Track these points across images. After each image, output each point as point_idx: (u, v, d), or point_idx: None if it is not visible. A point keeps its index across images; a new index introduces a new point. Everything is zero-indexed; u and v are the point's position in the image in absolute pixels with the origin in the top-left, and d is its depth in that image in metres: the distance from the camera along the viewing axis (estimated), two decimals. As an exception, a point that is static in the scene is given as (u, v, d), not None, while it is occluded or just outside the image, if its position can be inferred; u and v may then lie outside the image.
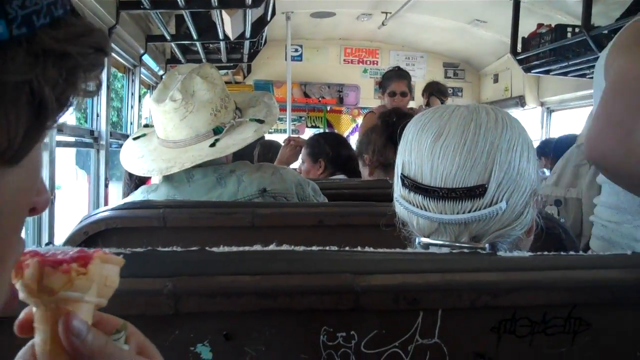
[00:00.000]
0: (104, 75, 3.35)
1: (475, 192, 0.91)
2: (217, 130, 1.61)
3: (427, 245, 0.96)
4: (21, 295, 0.50)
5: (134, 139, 1.79)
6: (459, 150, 0.91)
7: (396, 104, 4.03)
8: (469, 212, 0.91)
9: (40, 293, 0.50)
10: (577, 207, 2.11)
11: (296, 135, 4.67)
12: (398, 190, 1.00)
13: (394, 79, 4.13)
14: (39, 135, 0.42)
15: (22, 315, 0.54)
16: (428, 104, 4.85)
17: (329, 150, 2.98)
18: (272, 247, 0.88)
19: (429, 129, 0.96)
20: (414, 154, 0.96)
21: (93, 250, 0.53)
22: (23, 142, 0.40)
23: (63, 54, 0.41)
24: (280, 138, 4.59)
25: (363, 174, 2.59)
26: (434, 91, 5.03)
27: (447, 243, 0.94)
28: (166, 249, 0.86)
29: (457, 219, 0.92)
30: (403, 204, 0.97)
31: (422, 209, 0.94)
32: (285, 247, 0.89)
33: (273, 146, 3.89)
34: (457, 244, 0.93)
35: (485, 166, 0.91)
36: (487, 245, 0.92)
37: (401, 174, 0.98)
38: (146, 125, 1.85)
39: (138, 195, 1.68)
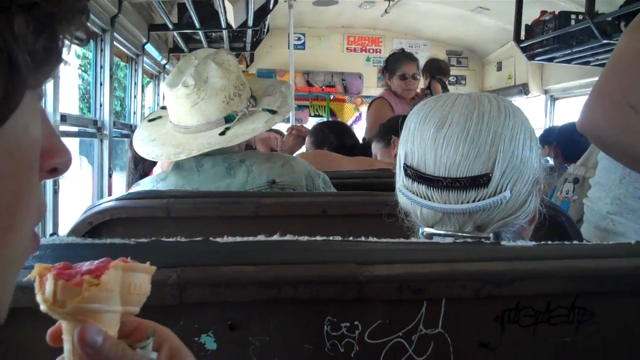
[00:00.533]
0: (106, 65, 3.36)
1: (479, 182, 0.90)
2: (228, 119, 1.59)
3: (430, 235, 0.96)
4: (42, 307, 0.51)
5: (150, 120, 1.78)
6: (463, 140, 0.91)
7: (408, 87, 3.91)
8: (474, 201, 0.91)
9: (54, 306, 0.50)
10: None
11: (299, 124, 4.64)
12: (401, 180, 0.99)
13: (404, 61, 3.95)
14: (18, 94, 0.39)
15: (55, 325, 0.54)
16: (429, 88, 4.63)
17: (333, 139, 2.99)
18: (275, 237, 0.89)
19: (432, 118, 0.95)
20: (417, 143, 0.95)
21: (119, 259, 0.53)
22: (1, 104, 0.38)
23: (29, 3, 0.38)
24: (283, 127, 4.58)
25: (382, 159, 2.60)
26: (435, 72, 4.77)
27: (450, 233, 0.93)
28: (170, 240, 0.86)
29: (461, 209, 0.91)
30: (406, 194, 0.96)
31: (425, 199, 0.94)
32: (289, 237, 0.89)
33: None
34: (461, 234, 0.93)
35: (489, 155, 0.90)
36: (491, 234, 0.92)
37: (404, 163, 0.97)
38: (163, 108, 1.85)
39: (147, 185, 1.68)
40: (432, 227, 0.96)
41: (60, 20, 0.41)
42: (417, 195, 0.95)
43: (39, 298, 0.51)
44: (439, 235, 0.94)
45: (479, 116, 0.93)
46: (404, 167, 0.97)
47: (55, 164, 0.48)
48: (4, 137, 0.40)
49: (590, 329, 0.81)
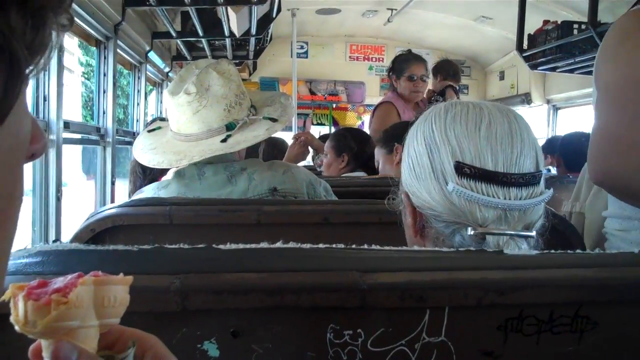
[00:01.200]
0: (110, 72, 3.37)
1: (536, 179, 0.92)
2: (229, 126, 1.61)
3: (483, 236, 0.91)
4: (16, 328, 0.51)
5: (149, 131, 1.80)
6: (514, 138, 0.92)
7: (416, 89, 3.76)
8: (530, 198, 0.92)
9: (26, 327, 0.50)
10: (579, 221, 2.02)
11: (306, 132, 4.58)
12: (450, 181, 0.93)
13: (413, 62, 3.77)
14: (17, 89, 0.40)
15: (35, 343, 0.54)
16: (442, 93, 4.43)
17: (354, 145, 2.98)
18: (278, 244, 0.88)
19: (471, 118, 0.94)
20: (466, 141, 0.93)
21: (90, 274, 0.53)
22: (2, 100, 0.39)
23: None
24: (285, 135, 4.57)
25: (383, 169, 2.59)
26: (450, 75, 4.53)
27: (509, 232, 0.91)
28: (173, 246, 0.86)
29: (524, 204, 0.91)
30: (465, 192, 0.91)
31: (487, 196, 0.91)
32: (291, 244, 0.89)
33: (279, 143, 3.89)
34: (517, 233, 0.91)
35: (534, 155, 0.93)
36: (534, 232, 0.93)
37: (456, 161, 0.92)
38: (162, 119, 1.86)
39: (149, 192, 1.69)
40: (486, 227, 0.92)
41: (50, 10, 0.41)
42: (478, 193, 0.91)
43: (12, 319, 0.51)
44: (497, 234, 0.91)
45: (516, 119, 0.95)
46: (457, 166, 0.92)
47: (34, 149, 0.49)
48: (5, 133, 0.41)
49: (593, 338, 0.80)
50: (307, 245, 0.88)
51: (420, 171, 0.97)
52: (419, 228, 1.01)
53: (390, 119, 3.60)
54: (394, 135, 2.55)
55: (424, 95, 4.07)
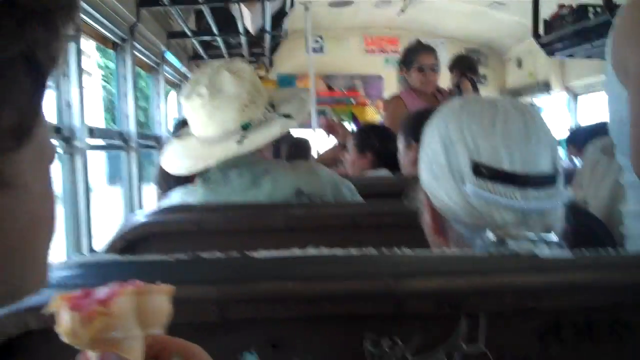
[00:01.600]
0: (129, 75, 3.38)
1: (554, 179, 0.89)
2: (245, 126, 1.59)
3: (502, 241, 0.89)
4: (63, 339, 0.52)
5: (177, 136, 1.80)
6: (531, 136, 0.89)
7: (426, 80, 3.62)
8: (548, 199, 0.89)
9: (71, 338, 0.51)
10: None
11: (335, 120, 4.52)
12: (467, 182, 0.91)
13: (421, 52, 3.64)
14: (42, 100, 0.41)
15: (83, 352, 0.56)
16: (458, 86, 4.36)
17: (376, 142, 2.95)
18: (311, 251, 0.89)
19: (486, 115, 0.92)
20: (482, 140, 0.90)
21: (131, 284, 0.54)
22: (32, 112, 0.40)
23: (45, 10, 0.39)
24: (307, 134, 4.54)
25: (404, 166, 2.57)
26: (466, 69, 4.48)
27: (531, 235, 0.88)
28: (210, 256, 0.87)
29: (541, 206, 0.88)
30: (483, 194, 0.89)
31: (505, 197, 0.88)
32: (324, 250, 0.89)
33: (302, 143, 3.85)
34: (539, 236, 0.89)
35: (551, 154, 0.90)
36: (554, 236, 0.90)
37: (474, 161, 0.90)
38: (186, 123, 1.86)
39: (176, 198, 1.69)
40: (506, 230, 0.89)
41: (59, 20, 0.42)
42: (496, 194, 0.88)
43: (57, 329, 0.52)
44: (519, 238, 0.88)
45: (532, 116, 0.92)
46: (474, 166, 0.90)
47: None
48: (35, 140, 0.42)
49: (634, 343, 0.79)
50: (340, 251, 0.88)
51: (438, 170, 0.95)
52: (440, 229, 0.99)
53: (397, 113, 3.51)
54: (413, 128, 2.50)
55: (445, 88, 4.02)
